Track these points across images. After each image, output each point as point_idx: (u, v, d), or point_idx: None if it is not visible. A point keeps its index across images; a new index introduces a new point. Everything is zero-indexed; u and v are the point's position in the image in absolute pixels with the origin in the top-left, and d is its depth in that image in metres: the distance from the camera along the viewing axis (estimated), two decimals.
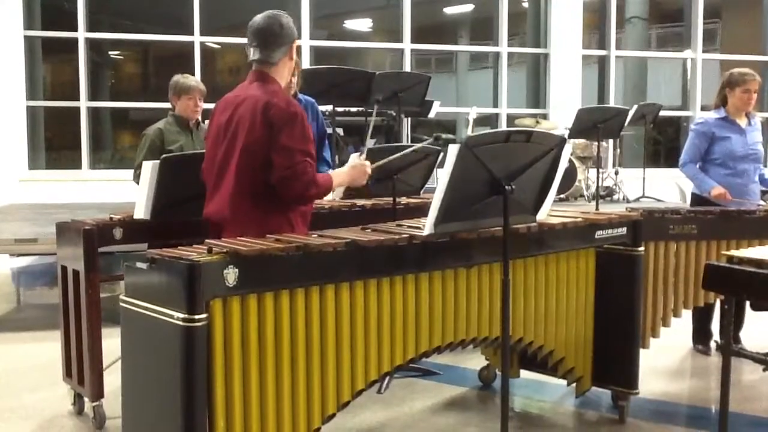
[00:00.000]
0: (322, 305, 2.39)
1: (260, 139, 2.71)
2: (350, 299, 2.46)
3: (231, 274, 2.17)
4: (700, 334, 4.45)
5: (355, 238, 2.47)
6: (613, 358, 3.40)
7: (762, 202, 4.39)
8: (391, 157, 3.24)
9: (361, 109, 6.07)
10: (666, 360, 4.28)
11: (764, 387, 3.88)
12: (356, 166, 3.01)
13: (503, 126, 9.48)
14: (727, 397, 2.68)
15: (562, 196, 7.11)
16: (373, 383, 2.62)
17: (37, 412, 3.51)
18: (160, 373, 2.24)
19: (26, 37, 8.34)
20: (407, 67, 9.23)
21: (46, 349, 4.22)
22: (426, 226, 2.51)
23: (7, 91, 8.10)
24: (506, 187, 2.45)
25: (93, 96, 8.77)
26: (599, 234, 3.24)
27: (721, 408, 2.71)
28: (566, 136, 6.67)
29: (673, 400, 3.73)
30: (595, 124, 6.38)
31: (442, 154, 3.78)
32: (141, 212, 3.28)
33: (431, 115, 7.40)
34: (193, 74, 8.13)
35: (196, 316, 2.11)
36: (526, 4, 10.23)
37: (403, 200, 3.94)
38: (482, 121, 9.40)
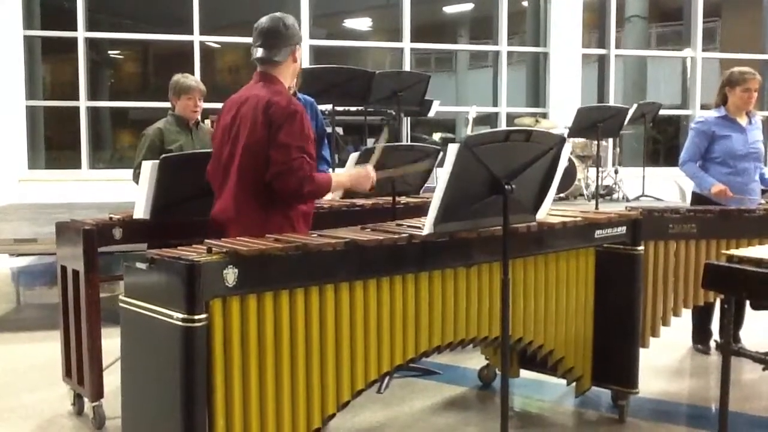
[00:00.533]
0: (321, 305, 2.39)
1: (262, 138, 2.74)
2: (350, 299, 2.46)
3: (230, 274, 2.17)
4: (700, 334, 4.44)
5: (354, 238, 2.47)
6: (613, 358, 3.40)
7: (762, 201, 4.39)
8: (399, 170, 3.22)
9: (360, 108, 6.06)
10: (666, 359, 4.28)
11: (764, 386, 3.88)
12: (361, 172, 2.99)
13: (503, 125, 9.48)
14: (726, 397, 2.68)
15: (561, 195, 7.11)
16: (373, 383, 2.62)
17: (37, 412, 3.51)
18: (159, 373, 2.24)
19: (26, 37, 8.34)
20: (407, 67, 9.22)
21: (46, 349, 4.22)
22: (426, 225, 2.51)
23: (7, 90, 8.10)
24: (506, 186, 2.45)
25: (92, 95, 8.76)
26: (599, 233, 3.23)
27: (720, 407, 2.72)
28: (566, 135, 6.69)
29: (672, 400, 3.73)
30: (594, 123, 6.38)
31: (441, 153, 3.78)
32: (140, 212, 3.27)
33: (431, 114, 7.40)
34: (192, 74, 8.15)
35: (196, 316, 2.11)
36: (525, 3, 10.23)
37: (403, 200, 3.93)
38: (482, 120, 9.40)
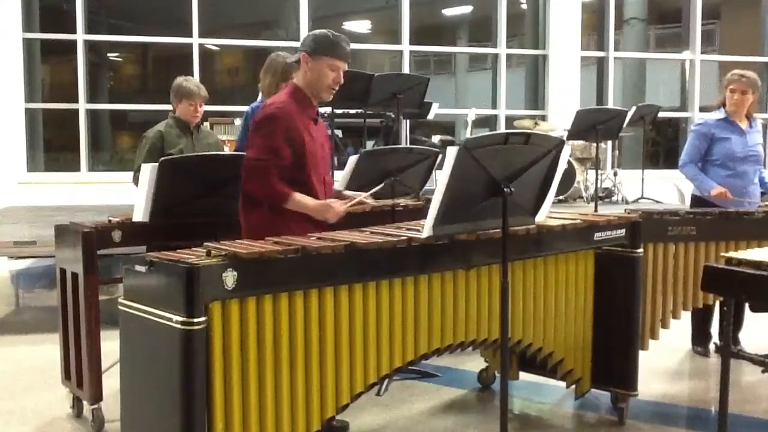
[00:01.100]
0: (320, 308, 2.39)
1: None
2: (349, 302, 2.46)
3: (230, 277, 2.17)
4: (699, 336, 4.45)
5: (353, 241, 2.47)
6: (613, 360, 3.40)
7: (761, 203, 4.39)
8: (369, 196, 3.16)
9: (359, 111, 6.06)
10: (665, 361, 4.28)
11: (763, 388, 3.88)
12: (331, 205, 2.90)
13: (502, 127, 9.48)
14: (726, 399, 2.68)
15: (560, 197, 7.11)
16: (372, 386, 2.62)
17: (36, 415, 3.51)
18: (158, 376, 2.23)
19: (25, 39, 8.34)
20: (406, 69, 9.23)
21: (45, 351, 4.21)
22: (425, 228, 2.50)
23: (6, 93, 8.10)
24: (505, 189, 2.45)
25: (92, 98, 8.76)
26: (598, 235, 3.24)
27: (720, 409, 2.72)
28: (565, 138, 6.69)
29: (672, 402, 3.73)
30: (593, 125, 6.37)
31: (441, 155, 3.78)
32: (140, 215, 3.27)
33: (430, 116, 7.40)
34: (192, 76, 8.16)
35: (195, 319, 2.11)
36: (524, 6, 10.24)
37: (402, 202, 3.94)
38: (481, 122, 9.41)
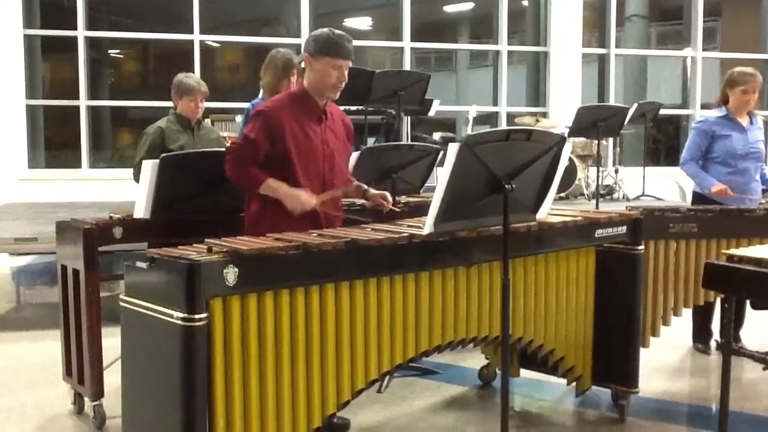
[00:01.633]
0: (322, 304, 2.39)
1: None
2: (350, 298, 2.46)
3: (231, 274, 2.17)
4: (701, 333, 4.45)
5: (355, 237, 2.47)
6: (613, 357, 3.40)
7: (763, 200, 4.39)
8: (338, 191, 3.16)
9: (360, 107, 6.06)
10: (666, 359, 4.28)
11: (764, 386, 3.88)
12: (299, 195, 2.88)
13: (503, 124, 9.48)
14: (727, 396, 2.68)
15: (562, 194, 7.11)
16: (373, 382, 2.62)
17: (37, 412, 3.51)
18: (160, 372, 2.23)
19: (26, 36, 8.34)
20: (407, 66, 9.22)
21: (46, 348, 4.22)
22: (426, 225, 2.51)
23: (7, 90, 8.10)
24: (506, 185, 2.45)
25: (93, 94, 8.76)
26: (599, 233, 3.23)
27: (721, 407, 2.72)
28: (566, 135, 6.69)
29: (673, 399, 3.73)
30: (595, 122, 6.37)
31: (442, 152, 3.78)
32: (141, 211, 3.27)
33: (431, 113, 7.40)
34: (193, 72, 8.15)
35: (196, 316, 2.11)
36: (525, 2, 10.23)
37: (403, 199, 3.93)
38: (482, 119, 9.40)
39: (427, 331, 2.69)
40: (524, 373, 3.71)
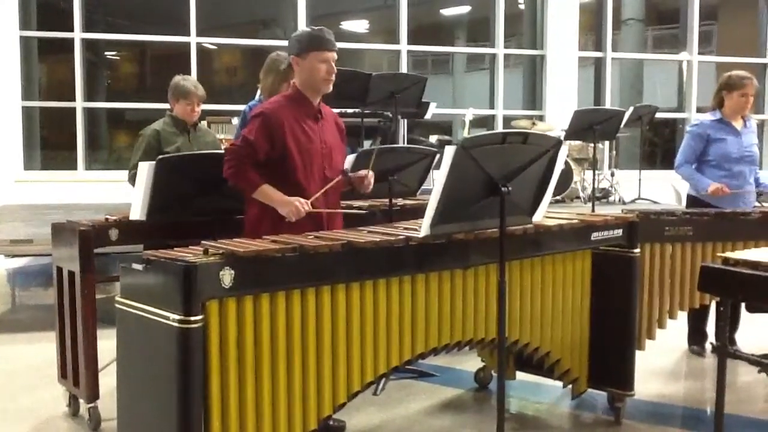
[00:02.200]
0: (318, 306, 2.39)
1: None
2: (346, 300, 2.46)
3: (227, 276, 2.17)
4: (696, 336, 4.45)
5: (351, 240, 2.47)
6: (609, 360, 3.40)
7: (757, 204, 4.40)
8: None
9: (357, 110, 6.06)
10: (662, 361, 4.28)
11: (760, 388, 3.88)
12: (293, 203, 2.88)
13: (499, 127, 9.49)
14: (722, 399, 2.69)
15: (558, 197, 7.12)
16: (369, 385, 2.62)
17: (32, 414, 3.50)
18: (155, 374, 2.23)
19: (22, 37, 8.32)
20: (404, 68, 9.23)
21: (41, 350, 4.20)
22: (422, 227, 2.51)
23: (3, 91, 8.08)
24: (503, 188, 2.45)
25: (89, 96, 8.75)
26: (595, 235, 3.24)
27: (716, 410, 2.72)
28: (562, 138, 6.70)
29: (668, 402, 3.73)
30: (591, 125, 6.38)
31: (438, 155, 3.78)
32: (137, 213, 3.27)
33: (428, 116, 7.40)
34: (189, 75, 8.14)
35: (192, 318, 2.11)
36: (522, 6, 10.24)
37: (400, 201, 3.94)
38: (479, 122, 9.42)
39: (423, 334, 2.69)
40: (520, 375, 3.71)
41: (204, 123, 6.11)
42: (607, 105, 9.55)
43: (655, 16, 11.39)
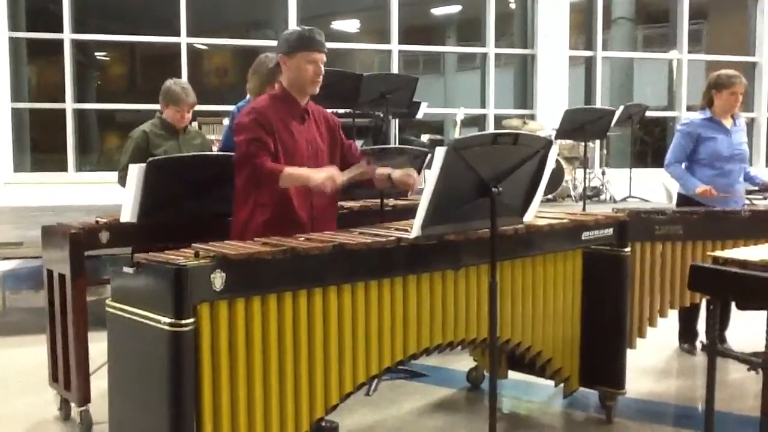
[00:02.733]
0: (309, 309, 2.39)
1: None
2: (338, 302, 2.46)
3: (218, 279, 2.17)
4: (686, 334, 4.47)
5: (342, 241, 2.47)
6: (601, 359, 3.42)
7: (747, 201, 4.42)
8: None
9: (349, 110, 6.06)
10: (652, 360, 4.30)
11: (750, 385, 3.90)
12: (328, 173, 2.85)
13: (491, 127, 9.50)
14: (712, 397, 2.71)
15: (549, 196, 7.13)
16: (362, 386, 2.62)
17: (23, 417, 3.49)
18: (147, 378, 2.23)
19: (11, 39, 8.28)
20: (395, 68, 9.23)
21: (32, 353, 4.18)
22: (413, 228, 2.51)
23: None
24: (493, 189, 2.46)
25: (79, 97, 8.71)
26: (586, 235, 3.25)
27: (706, 407, 2.74)
28: (553, 137, 6.72)
29: (659, 400, 3.75)
30: (581, 124, 6.40)
31: (430, 155, 3.78)
32: (127, 215, 3.26)
33: (419, 116, 7.41)
34: (179, 76, 8.12)
35: (183, 321, 2.11)
36: (513, 5, 10.26)
37: (391, 201, 3.94)
38: (470, 121, 9.42)
39: (415, 335, 2.70)
40: (512, 375, 3.72)
41: (195, 124, 6.09)
42: (598, 104, 9.58)
43: (645, 15, 11.43)
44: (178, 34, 8.59)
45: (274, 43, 8.70)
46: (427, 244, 2.62)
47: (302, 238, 2.55)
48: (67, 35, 8.38)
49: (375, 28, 10.32)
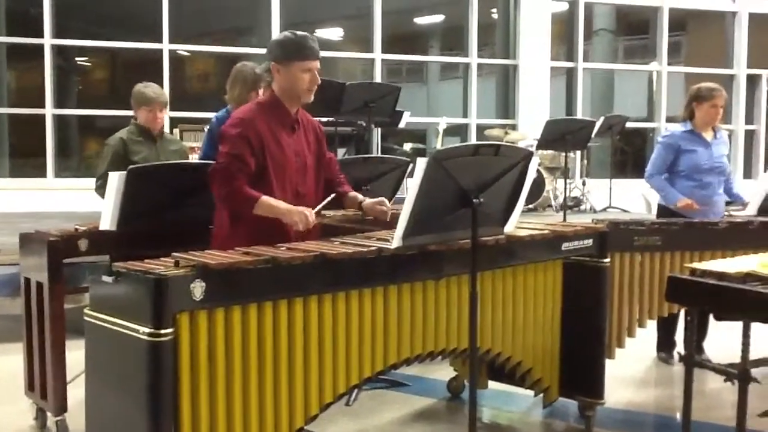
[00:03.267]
0: (290, 318, 2.38)
1: None
2: (319, 312, 2.46)
3: (198, 288, 2.16)
4: (665, 343, 4.51)
5: (323, 251, 2.46)
6: (580, 369, 3.43)
7: (726, 213, 4.48)
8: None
9: (331, 119, 6.07)
10: (631, 369, 4.33)
11: (727, 395, 3.93)
12: (302, 212, 2.78)
13: (473, 136, 9.55)
14: (689, 407, 2.73)
15: (530, 206, 7.18)
16: (342, 396, 2.62)
17: None
18: (125, 387, 2.21)
19: None
20: (378, 77, 9.25)
21: (8, 362, 4.13)
22: (394, 238, 2.51)
23: None
24: (475, 200, 2.47)
25: (60, 103, 8.63)
26: (566, 245, 3.27)
27: (683, 418, 2.77)
28: (535, 147, 6.77)
29: (638, 410, 3.78)
30: (562, 135, 6.46)
31: (412, 165, 3.80)
32: (107, 223, 3.23)
33: (401, 125, 7.43)
34: (161, 81, 8.08)
35: (162, 331, 2.09)
36: (495, 16, 10.33)
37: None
38: (452, 131, 9.45)
39: (395, 344, 2.70)
40: (492, 384, 3.73)
41: (176, 132, 6.06)
42: (579, 114, 9.66)
43: (626, 27, 11.55)
44: (160, 40, 8.55)
45: (256, 50, 8.71)
46: (409, 255, 2.63)
47: (283, 248, 2.55)
48: (48, 40, 8.31)
49: (358, 36, 10.34)
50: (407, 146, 8.28)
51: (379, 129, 7.30)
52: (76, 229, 3.33)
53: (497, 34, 10.30)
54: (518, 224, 3.13)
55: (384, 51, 9.34)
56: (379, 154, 6.57)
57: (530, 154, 2.70)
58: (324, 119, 6.08)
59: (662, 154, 4.41)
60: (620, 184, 8.15)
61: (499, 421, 3.66)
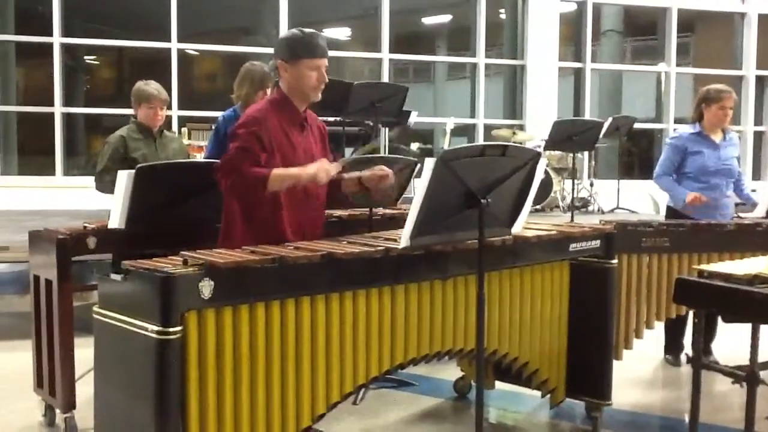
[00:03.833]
0: (297, 317, 2.39)
1: None
2: (326, 311, 2.46)
3: (206, 287, 2.16)
4: (672, 345, 4.50)
5: (330, 251, 2.47)
6: (587, 370, 3.43)
7: (735, 215, 4.46)
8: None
9: (338, 119, 6.07)
10: (639, 371, 4.32)
11: (735, 397, 3.92)
12: (320, 167, 2.77)
13: (480, 136, 9.54)
14: (697, 410, 2.73)
15: (537, 206, 7.17)
16: (349, 395, 2.62)
17: (7, 424, 3.46)
18: (133, 385, 2.22)
19: None
20: (385, 77, 9.26)
21: (17, 359, 4.15)
22: (402, 238, 2.52)
23: None
24: (482, 200, 2.47)
25: (67, 101, 8.67)
26: (573, 246, 3.27)
27: (691, 421, 2.76)
28: (542, 148, 6.76)
29: (645, 411, 3.77)
30: (570, 136, 6.45)
31: (419, 165, 3.80)
32: (115, 222, 3.24)
33: (409, 124, 7.43)
34: (169, 81, 8.10)
35: (171, 329, 2.10)
36: (503, 16, 10.32)
37: (380, 211, 3.94)
38: (459, 131, 9.46)
39: (402, 344, 2.70)
40: (499, 385, 3.73)
41: (184, 131, 6.08)
42: (587, 115, 9.64)
43: (634, 28, 11.52)
44: (168, 39, 8.57)
45: (264, 49, 8.73)
46: (416, 255, 2.63)
47: (291, 247, 2.55)
48: (57, 39, 8.34)
49: (366, 36, 10.36)
50: (414, 146, 8.28)
51: (387, 129, 7.30)
52: (85, 227, 3.34)
53: (505, 35, 10.29)
54: (525, 225, 3.12)
55: (391, 51, 9.34)
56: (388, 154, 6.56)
57: (538, 155, 2.70)
58: (331, 119, 6.09)
59: (670, 155, 4.41)
60: (628, 185, 8.13)
61: (505, 421, 3.65)
